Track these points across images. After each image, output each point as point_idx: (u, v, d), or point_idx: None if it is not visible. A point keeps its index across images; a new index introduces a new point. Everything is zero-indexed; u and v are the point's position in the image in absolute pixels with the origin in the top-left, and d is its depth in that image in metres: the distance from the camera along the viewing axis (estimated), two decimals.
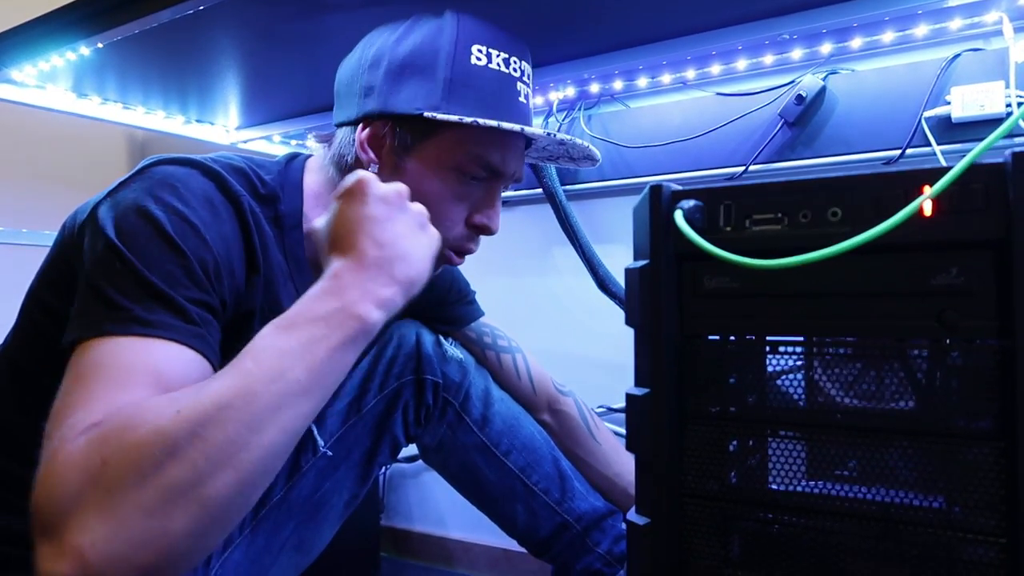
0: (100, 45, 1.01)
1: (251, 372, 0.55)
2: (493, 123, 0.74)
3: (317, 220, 0.68)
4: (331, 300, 0.59)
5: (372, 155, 0.78)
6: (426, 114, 0.75)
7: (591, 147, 0.85)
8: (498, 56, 0.79)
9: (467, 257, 1.05)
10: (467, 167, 0.78)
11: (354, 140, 0.79)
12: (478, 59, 0.78)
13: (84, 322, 0.60)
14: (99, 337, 0.58)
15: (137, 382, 0.55)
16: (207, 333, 0.63)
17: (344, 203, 0.65)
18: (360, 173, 0.66)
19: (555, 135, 0.79)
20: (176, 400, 0.53)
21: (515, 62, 0.81)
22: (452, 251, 0.81)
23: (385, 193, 0.66)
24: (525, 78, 0.83)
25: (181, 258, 0.63)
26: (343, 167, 0.80)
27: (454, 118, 0.74)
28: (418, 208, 0.69)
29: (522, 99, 0.82)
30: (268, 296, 0.75)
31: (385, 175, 0.77)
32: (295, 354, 0.57)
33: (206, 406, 0.52)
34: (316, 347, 0.57)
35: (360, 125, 0.79)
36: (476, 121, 0.73)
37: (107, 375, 0.56)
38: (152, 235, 0.63)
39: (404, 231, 0.66)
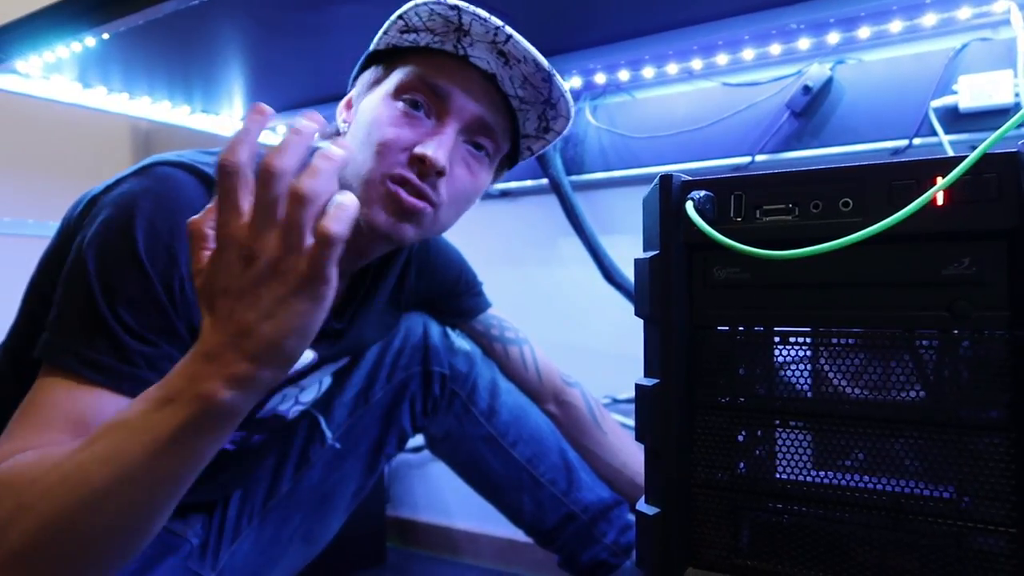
0: (106, 36, 1.01)
1: (92, 450, 0.53)
2: (397, 13, 0.71)
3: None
4: (181, 378, 0.52)
5: (344, 115, 0.80)
6: (370, 49, 0.76)
7: (539, 55, 0.72)
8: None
9: (469, 251, 1.05)
10: (408, 91, 0.73)
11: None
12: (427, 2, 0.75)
13: (45, 338, 0.64)
14: (48, 365, 0.63)
15: (56, 428, 0.59)
16: (143, 373, 0.63)
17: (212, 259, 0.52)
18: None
19: (470, 8, 0.69)
20: (42, 465, 0.55)
21: (466, 5, 0.75)
22: (399, 187, 0.71)
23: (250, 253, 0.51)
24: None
25: (146, 281, 0.64)
26: (330, 140, 0.81)
27: (379, 35, 0.74)
28: (298, 268, 0.50)
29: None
30: None
31: (351, 125, 0.78)
32: (136, 433, 0.52)
33: (51, 479, 0.53)
34: (158, 427, 0.51)
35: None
36: (390, 21, 0.72)
37: (33, 419, 0.60)
38: (122, 253, 0.64)
39: (265, 300, 0.50)
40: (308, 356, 0.83)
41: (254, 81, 1.27)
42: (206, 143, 0.88)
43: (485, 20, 0.70)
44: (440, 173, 0.72)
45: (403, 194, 0.71)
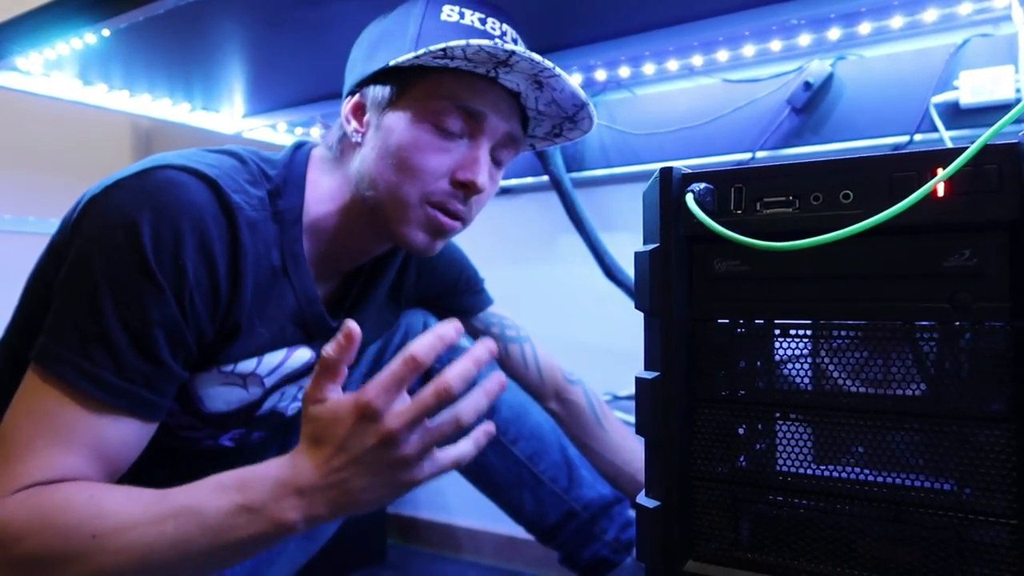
0: (106, 32, 1.01)
1: (161, 530, 0.59)
2: (441, 45, 0.68)
3: (310, 392, 0.63)
4: (265, 493, 0.60)
5: (355, 124, 0.78)
6: (391, 63, 0.73)
7: (578, 88, 0.76)
8: (472, 15, 0.75)
9: (469, 248, 1.05)
10: (443, 115, 0.73)
11: (341, 115, 0.80)
12: (449, 16, 0.75)
13: (42, 342, 0.64)
14: (44, 370, 0.63)
15: (75, 451, 0.62)
16: (140, 391, 0.65)
17: (344, 422, 0.60)
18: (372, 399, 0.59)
19: (524, 52, 0.69)
20: (97, 519, 0.59)
21: (493, 22, 0.76)
22: (437, 210, 0.76)
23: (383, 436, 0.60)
24: (507, 39, 0.77)
25: (158, 293, 0.64)
26: (335, 144, 0.81)
27: (409, 55, 0.71)
28: (421, 466, 0.63)
29: None
30: (256, 301, 0.74)
31: (369, 137, 0.77)
32: (207, 529, 0.59)
33: (115, 541, 0.58)
34: (230, 532, 0.59)
35: (346, 99, 0.80)
36: (428, 50, 0.69)
37: (49, 433, 0.61)
38: (131, 264, 0.63)
39: (378, 477, 0.61)
40: (306, 356, 0.83)
41: (254, 78, 1.26)
42: (207, 140, 0.88)
43: (537, 62, 0.71)
44: (479, 192, 0.75)
45: (442, 217, 0.76)
